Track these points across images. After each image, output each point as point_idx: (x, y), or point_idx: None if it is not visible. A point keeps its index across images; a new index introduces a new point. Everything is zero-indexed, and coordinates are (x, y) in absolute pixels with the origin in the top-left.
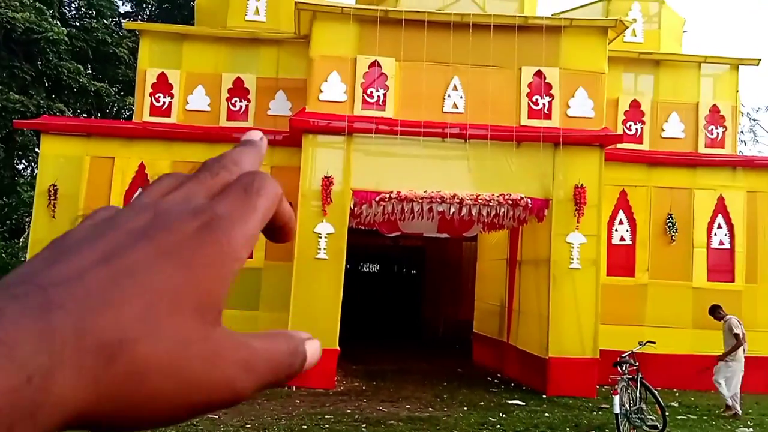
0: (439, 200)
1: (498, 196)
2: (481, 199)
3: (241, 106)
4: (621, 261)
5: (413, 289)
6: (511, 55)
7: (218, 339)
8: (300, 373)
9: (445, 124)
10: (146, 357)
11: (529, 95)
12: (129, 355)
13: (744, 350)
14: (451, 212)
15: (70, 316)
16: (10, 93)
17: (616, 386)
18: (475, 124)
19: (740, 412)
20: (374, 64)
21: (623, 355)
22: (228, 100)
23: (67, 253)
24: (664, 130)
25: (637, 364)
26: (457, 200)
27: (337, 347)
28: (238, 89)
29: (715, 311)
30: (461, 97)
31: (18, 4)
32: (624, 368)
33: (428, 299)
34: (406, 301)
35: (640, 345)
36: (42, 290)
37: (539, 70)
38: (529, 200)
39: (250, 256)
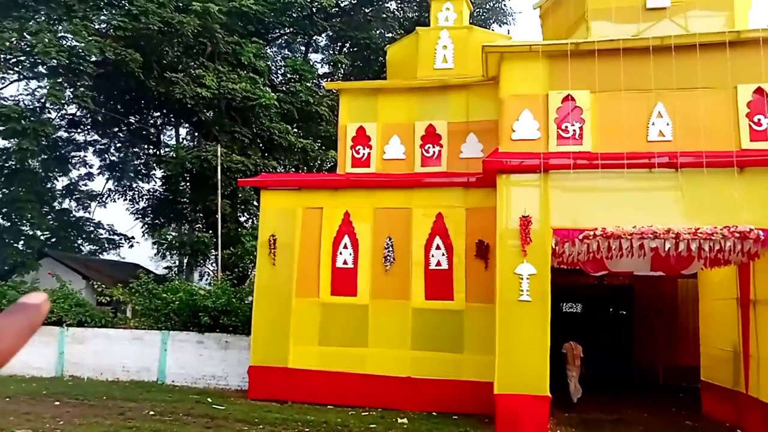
0: (651, 236)
1: (722, 229)
2: (701, 232)
3: (434, 152)
4: None
5: (621, 330)
6: (724, 73)
7: None
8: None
9: (652, 153)
10: None
11: (749, 115)
12: None
13: None
14: (667, 248)
15: None
16: (233, 155)
17: None
18: (686, 152)
19: None
20: (567, 98)
21: None
22: (421, 146)
23: None
24: None
25: None
26: (673, 235)
27: (549, 394)
28: (431, 135)
29: None
30: (668, 124)
31: (236, 77)
32: None
33: (640, 342)
34: (613, 343)
35: None
36: None
37: (759, 87)
38: (760, 232)
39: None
